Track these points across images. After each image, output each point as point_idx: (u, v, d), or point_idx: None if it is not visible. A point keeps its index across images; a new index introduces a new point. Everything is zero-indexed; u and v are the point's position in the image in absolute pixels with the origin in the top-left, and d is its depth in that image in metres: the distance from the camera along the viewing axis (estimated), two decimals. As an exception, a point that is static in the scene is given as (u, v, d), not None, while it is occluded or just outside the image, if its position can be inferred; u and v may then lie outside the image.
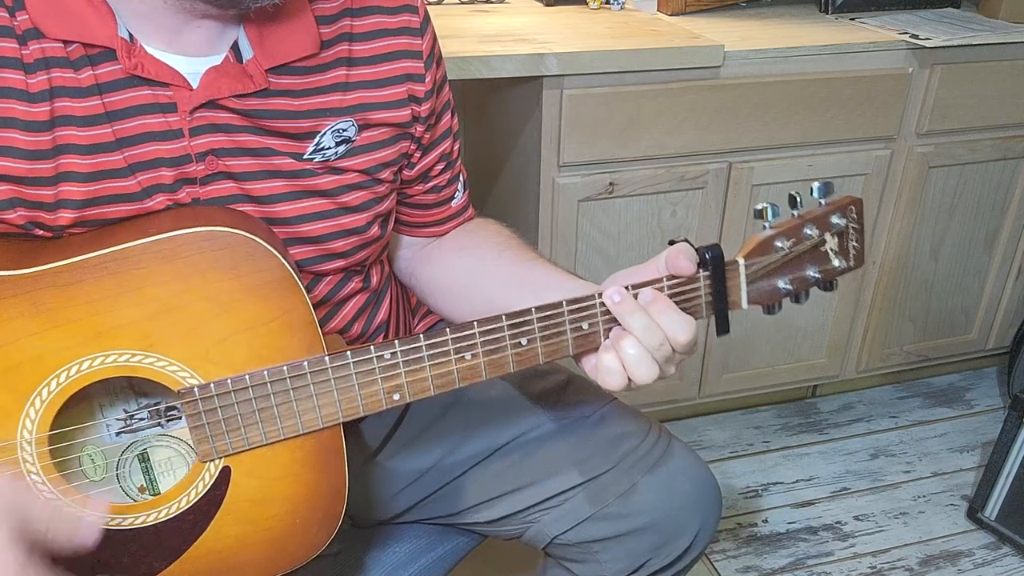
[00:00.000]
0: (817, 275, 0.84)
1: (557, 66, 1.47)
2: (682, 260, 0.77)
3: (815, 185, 0.83)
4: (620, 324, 0.77)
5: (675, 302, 0.78)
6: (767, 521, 1.77)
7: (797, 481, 1.88)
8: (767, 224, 0.82)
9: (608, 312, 0.78)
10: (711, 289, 0.80)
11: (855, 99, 1.68)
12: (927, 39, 1.66)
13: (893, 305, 1.95)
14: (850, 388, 2.16)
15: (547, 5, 1.79)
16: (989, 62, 1.73)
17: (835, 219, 0.84)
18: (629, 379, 0.77)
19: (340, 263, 0.87)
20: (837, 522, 1.77)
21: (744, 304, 0.83)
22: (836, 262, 0.85)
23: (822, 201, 0.84)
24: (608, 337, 0.79)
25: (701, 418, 2.05)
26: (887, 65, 1.68)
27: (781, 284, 0.83)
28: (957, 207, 1.88)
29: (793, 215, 0.83)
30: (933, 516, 1.80)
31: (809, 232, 0.82)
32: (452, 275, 0.97)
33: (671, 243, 0.79)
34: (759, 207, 0.81)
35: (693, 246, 0.79)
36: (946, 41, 1.66)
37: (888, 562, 1.68)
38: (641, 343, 0.76)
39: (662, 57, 1.53)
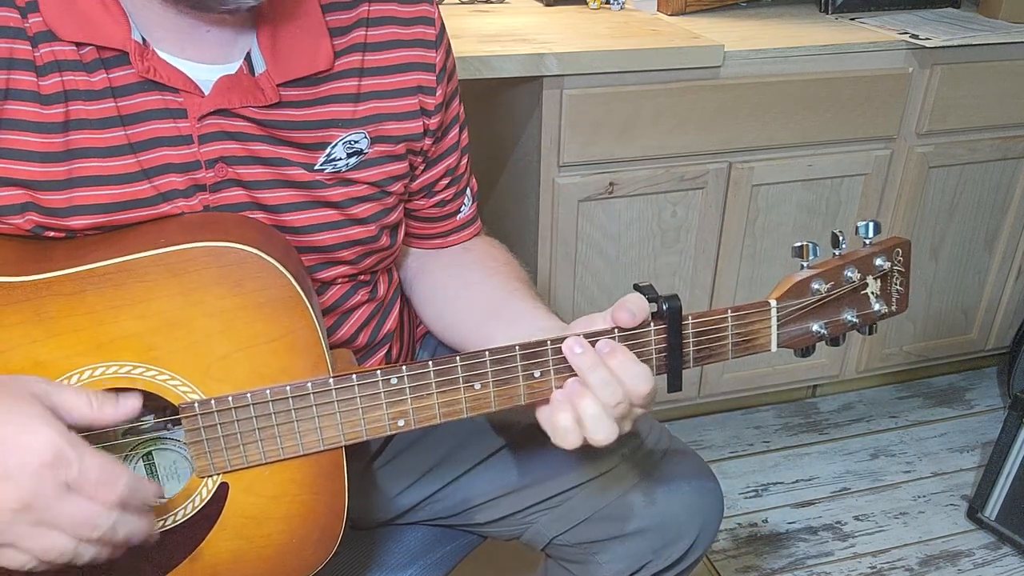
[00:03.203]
0: (855, 319, 0.80)
1: (557, 66, 1.47)
2: (621, 312, 0.73)
3: (862, 224, 0.79)
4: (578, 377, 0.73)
5: None
6: (767, 521, 1.77)
7: (797, 481, 1.88)
8: (805, 263, 0.78)
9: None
10: (665, 343, 0.76)
11: (855, 99, 1.68)
12: (927, 39, 1.66)
13: (893, 305, 1.95)
14: (850, 388, 2.16)
15: (547, 5, 1.79)
16: (989, 62, 1.73)
17: (879, 261, 0.79)
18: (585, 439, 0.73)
19: (345, 269, 0.87)
20: (837, 522, 1.77)
21: (774, 347, 0.79)
22: (877, 306, 0.81)
23: (867, 240, 0.79)
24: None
25: (701, 418, 2.05)
26: (887, 65, 1.68)
27: (815, 328, 0.79)
28: (957, 207, 1.88)
29: (834, 254, 0.79)
30: (933, 516, 1.80)
31: (850, 275, 0.78)
32: (438, 291, 0.97)
33: (636, 288, 0.76)
34: (798, 245, 0.77)
35: (654, 292, 0.75)
36: (946, 41, 1.66)
37: (888, 562, 1.68)
38: (600, 401, 0.71)
39: (662, 57, 1.53)
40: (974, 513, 1.76)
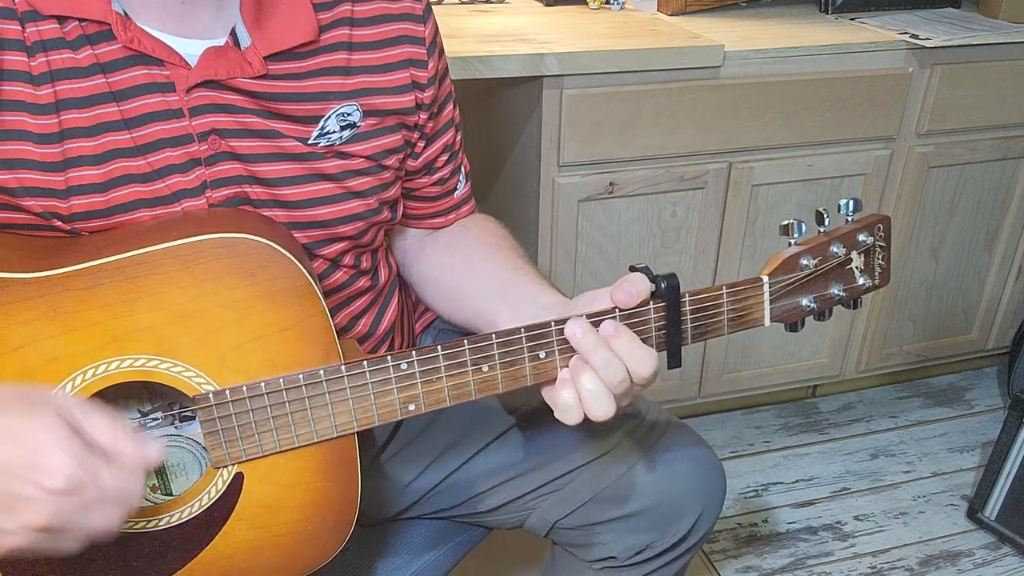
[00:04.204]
0: (842, 293, 0.83)
1: (557, 66, 1.47)
2: (620, 292, 0.75)
3: (843, 202, 0.82)
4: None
5: None
6: (767, 521, 1.77)
7: (797, 481, 1.88)
8: (792, 241, 0.81)
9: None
10: (664, 320, 0.78)
11: (855, 99, 1.68)
12: (927, 39, 1.66)
13: (893, 305, 1.95)
14: (850, 388, 2.16)
15: (547, 5, 1.79)
16: (989, 62, 1.73)
17: (862, 237, 0.83)
18: (585, 414, 0.75)
19: (346, 245, 0.88)
20: (837, 522, 1.77)
21: (767, 322, 0.82)
22: (861, 280, 0.84)
23: (849, 218, 0.83)
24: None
25: (701, 418, 2.05)
26: (887, 65, 1.68)
27: (805, 302, 0.82)
28: (957, 207, 1.88)
29: (819, 232, 0.82)
30: (933, 516, 1.80)
31: (835, 250, 0.81)
32: (441, 273, 0.98)
33: (631, 269, 0.78)
34: (785, 223, 0.80)
35: (651, 273, 0.77)
36: (946, 41, 1.66)
37: (888, 562, 1.68)
38: (600, 379, 0.74)
39: (662, 57, 1.53)
40: (974, 513, 1.76)
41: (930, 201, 1.85)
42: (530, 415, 0.98)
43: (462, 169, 1.00)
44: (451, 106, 0.95)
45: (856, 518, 1.79)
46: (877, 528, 1.76)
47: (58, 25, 0.72)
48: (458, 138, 0.97)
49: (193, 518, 0.75)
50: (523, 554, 1.53)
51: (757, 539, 1.73)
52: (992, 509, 1.73)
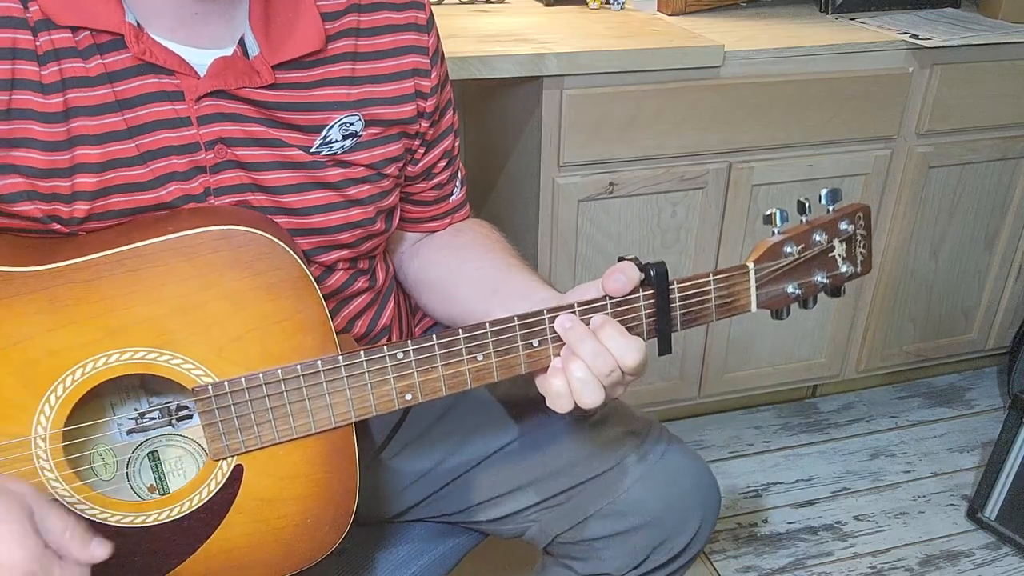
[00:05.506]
0: (825, 280, 0.85)
1: (557, 66, 1.47)
2: (610, 282, 0.77)
3: (823, 192, 0.84)
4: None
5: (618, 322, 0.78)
6: (767, 521, 1.77)
7: (797, 481, 1.88)
8: (776, 229, 0.82)
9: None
10: (653, 308, 0.79)
11: (855, 99, 1.68)
12: (927, 39, 1.66)
13: (893, 305, 1.95)
14: (850, 388, 2.16)
15: (547, 5, 1.79)
16: (989, 62, 1.73)
17: (843, 225, 0.85)
18: (576, 402, 0.77)
19: (345, 253, 0.88)
20: (837, 522, 1.77)
21: (753, 308, 0.83)
22: (844, 268, 0.86)
23: (830, 208, 0.84)
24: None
25: (701, 418, 2.05)
26: (887, 65, 1.69)
27: (790, 289, 0.84)
28: (957, 207, 1.88)
29: (802, 221, 0.84)
30: (933, 516, 1.80)
31: (818, 238, 0.83)
32: (434, 273, 0.98)
33: (620, 259, 0.79)
34: (768, 212, 0.82)
35: (639, 263, 0.78)
36: (946, 41, 1.66)
37: (888, 562, 1.68)
38: (589, 369, 0.75)
39: (662, 57, 1.53)
40: (974, 513, 1.76)
41: (930, 201, 1.85)
42: (533, 428, 0.98)
43: (458, 174, 1.01)
44: (451, 112, 0.95)
45: (856, 518, 1.79)
46: (877, 528, 1.76)
47: (71, 34, 0.72)
48: (457, 144, 0.98)
49: (193, 512, 0.75)
50: (519, 558, 1.53)
51: (757, 539, 1.73)
52: (992, 509, 1.73)
